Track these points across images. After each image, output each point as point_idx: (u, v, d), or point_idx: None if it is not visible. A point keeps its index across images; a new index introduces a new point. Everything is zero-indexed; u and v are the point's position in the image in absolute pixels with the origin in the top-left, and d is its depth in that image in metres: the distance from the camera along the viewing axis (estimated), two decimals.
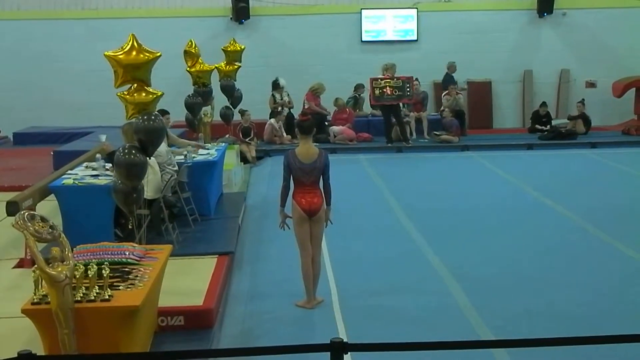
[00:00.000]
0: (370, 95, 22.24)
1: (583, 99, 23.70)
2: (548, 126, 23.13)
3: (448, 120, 22.23)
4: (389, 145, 21.54)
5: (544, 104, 23.63)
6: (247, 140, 20.23)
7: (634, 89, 23.86)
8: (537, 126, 23.32)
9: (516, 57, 25.07)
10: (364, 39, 24.90)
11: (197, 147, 14.11)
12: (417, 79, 22.88)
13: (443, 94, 23.24)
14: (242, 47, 18.55)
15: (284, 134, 21.73)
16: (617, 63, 24.58)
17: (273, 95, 22.12)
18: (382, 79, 21.54)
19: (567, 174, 18.18)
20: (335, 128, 22.06)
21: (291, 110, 22.25)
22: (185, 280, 9.53)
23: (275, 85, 22.18)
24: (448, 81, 23.55)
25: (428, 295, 9.89)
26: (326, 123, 22.30)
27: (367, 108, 23.66)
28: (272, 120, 21.72)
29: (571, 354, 7.05)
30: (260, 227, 13.40)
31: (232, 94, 18.34)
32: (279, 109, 21.88)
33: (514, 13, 25.19)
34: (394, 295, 9.86)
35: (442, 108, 22.86)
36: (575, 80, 25.17)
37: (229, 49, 18.13)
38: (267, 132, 21.73)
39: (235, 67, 18.15)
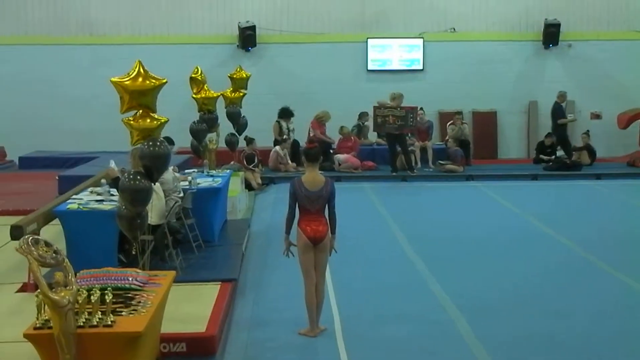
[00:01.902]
0: (373, 123, 22.24)
1: (588, 130, 23.74)
2: (553, 157, 23.15)
3: (453, 150, 22.24)
4: (394, 174, 21.53)
5: (549, 134, 23.65)
6: (251, 167, 20.23)
7: (639, 120, 23.90)
8: (542, 157, 23.34)
9: (521, 88, 25.15)
10: (369, 67, 25.01)
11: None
12: (422, 109, 22.92)
13: (449, 123, 23.30)
14: (248, 74, 18.61)
15: (289, 162, 21.74)
16: (622, 95, 24.66)
17: (278, 122, 22.12)
18: (385, 107, 21.51)
19: (571, 205, 18.17)
20: (340, 156, 22.08)
21: (295, 138, 22.29)
22: (188, 307, 9.52)
23: (284, 113, 22.08)
24: (557, 110, 23.54)
25: (431, 324, 9.86)
26: (331, 151, 22.31)
27: (372, 136, 23.69)
28: (277, 147, 21.75)
29: None
30: (264, 254, 13.38)
31: (238, 121, 18.38)
32: (284, 137, 21.87)
33: (520, 44, 25.29)
34: (397, 324, 9.82)
35: (447, 138, 22.90)
36: (580, 112, 25.19)
37: (235, 76, 18.19)
38: (272, 160, 21.75)
39: (241, 94, 18.20)
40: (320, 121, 22.31)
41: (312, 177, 9.38)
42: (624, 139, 24.49)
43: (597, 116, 24.70)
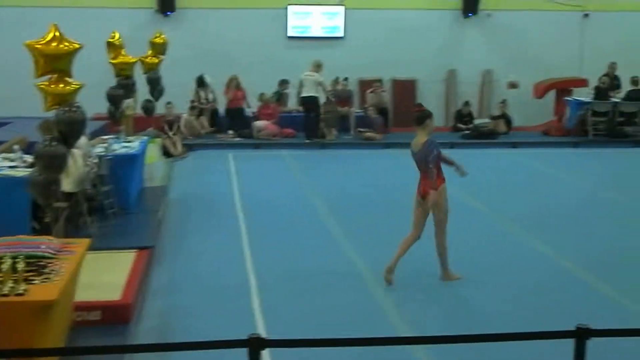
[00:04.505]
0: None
1: (505, 99, 24.04)
2: (470, 125, 23.40)
3: (373, 118, 22.35)
4: (308, 141, 21.54)
5: (466, 103, 23.94)
6: (171, 134, 20.03)
7: (554, 90, 24.29)
8: (460, 125, 23.58)
9: (441, 57, 25.29)
10: (289, 34, 24.90)
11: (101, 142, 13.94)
12: (346, 78, 23.20)
13: (368, 91, 23.41)
14: (166, 39, 18.43)
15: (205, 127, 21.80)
16: (539, 65, 24.93)
17: (197, 93, 22.03)
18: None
19: (487, 174, 18.32)
20: (259, 123, 21.99)
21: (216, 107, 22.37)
22: (103, 275, 9.43)
23: (200, 82, 22.07)
24: None
25: (348, 291, 9.92)
26: (250, 115, 22.31)
27: (291, 104, 23.63)
28: (185, 115, 21.59)
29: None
30: (182, 222, 13.31)
31: (157, 87, 18.18)
32: (198, 103, 21.94)
33: (440, 13, 25.40)
34: (314, 292, 9.86)
35: (366, 105, 22.99)
36: (498, 81, 25.49)
37: (156, 41, 18.00)
38: (186, 126, 21.48)
39: (159, 59, 18.01)
40: (229, 87, 22.32)
41: (416, 139, 10.23)
42: (539, 108, 24.79)
43: (513, 85, 24.96)
